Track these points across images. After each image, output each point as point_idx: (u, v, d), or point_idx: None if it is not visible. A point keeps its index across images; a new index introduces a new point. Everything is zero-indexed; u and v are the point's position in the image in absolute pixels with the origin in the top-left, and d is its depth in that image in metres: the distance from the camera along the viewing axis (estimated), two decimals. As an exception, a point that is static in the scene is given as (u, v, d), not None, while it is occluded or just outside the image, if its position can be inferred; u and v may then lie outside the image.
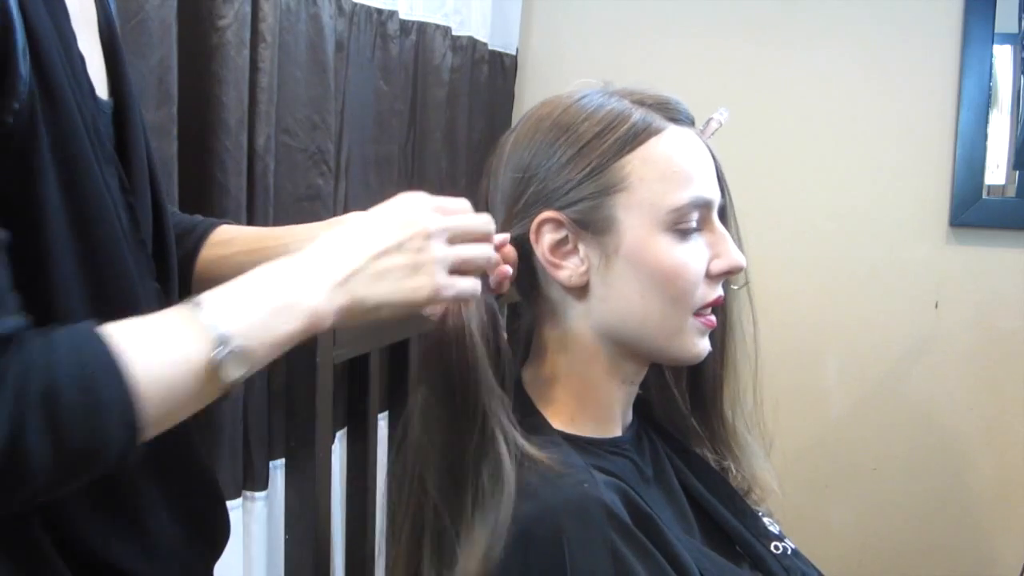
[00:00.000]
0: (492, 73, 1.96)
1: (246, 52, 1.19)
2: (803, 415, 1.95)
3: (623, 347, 0.82)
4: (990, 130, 1.86)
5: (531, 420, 0.81)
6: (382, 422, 1.24)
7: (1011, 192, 1.90)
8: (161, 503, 0.72)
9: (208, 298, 0.61)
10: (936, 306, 1.91)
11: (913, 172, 1.91)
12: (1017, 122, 1.83)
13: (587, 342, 0.82)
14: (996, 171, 1.88)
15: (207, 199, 1.17)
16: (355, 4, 1.49)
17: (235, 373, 0.60)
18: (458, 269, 0.72)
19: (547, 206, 0.79)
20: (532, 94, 2.10)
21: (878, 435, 1.95)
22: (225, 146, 1.17)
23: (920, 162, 1.90)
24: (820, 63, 1.93)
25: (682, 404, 0.94)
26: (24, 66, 0.57)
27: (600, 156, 0.78)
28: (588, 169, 0.78)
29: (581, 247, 0.79)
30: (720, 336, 0.87)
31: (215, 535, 0.81)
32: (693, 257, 0.79)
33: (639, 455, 0.86)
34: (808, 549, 0.92)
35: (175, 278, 0.78)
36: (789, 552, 0.88)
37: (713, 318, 0.82)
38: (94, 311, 0.59)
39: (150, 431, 0.57)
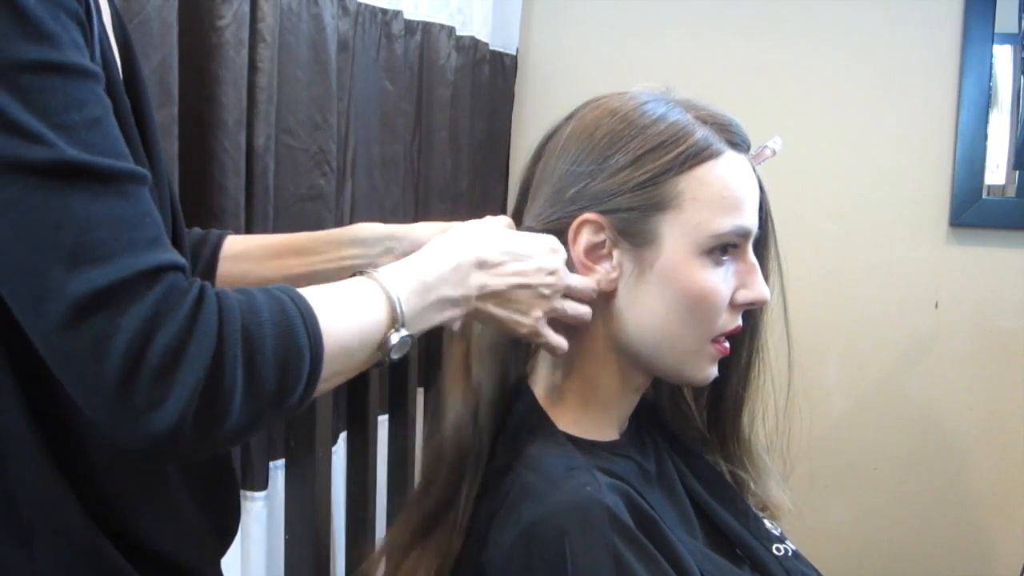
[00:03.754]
0: (493, 73, 1.96)
1: (245, 52, 1.19)
2: (803, 415, 1.94)
3: (635, 358, 0.82)
4: (990, 130, 1.85)
5: (535, 419, 0.82)
6: (382, 423, 1.23)
7: (1011, 192, 1.89)
8: (184, 489, 0.72)
9: (389, 278, 0.66)
10: (936, 306, 1.91)
11: (913, 172, 1.90)
12: (1017, 122, 1.83)
13: (600, 348, 0.82)
14: (996, 171, 1.87)
15: (206, 199, 1.17)
16: (360, 4, 1.48)
17: (396, 356, 0.65)
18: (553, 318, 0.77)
19: (592, 207, 0.78)
20: (532, 94, 2.10)
21: (878, 435, 1.95)
22: (223, 146, 1.17)
23: (920, 162, 1.90)
24: (820, 63, 1.93)
25: (696, 416, 0.94)
26: (97, 50, 0.58)
27: (656, 170, 0.77)
28: (642, 181, 0.77)
29: (616, 254, 0.79)
30: (746, 359, 0.88)
31: (229, 521, 0.83)
32: (722, 284, 0.79)
33: (641, 455, 0.86)
34: (808, 549, 0.92)
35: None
36: (790, 554, 0.88)
37: (727, 345, 0.82)
38: None
39: (322, 387, 0.61)
